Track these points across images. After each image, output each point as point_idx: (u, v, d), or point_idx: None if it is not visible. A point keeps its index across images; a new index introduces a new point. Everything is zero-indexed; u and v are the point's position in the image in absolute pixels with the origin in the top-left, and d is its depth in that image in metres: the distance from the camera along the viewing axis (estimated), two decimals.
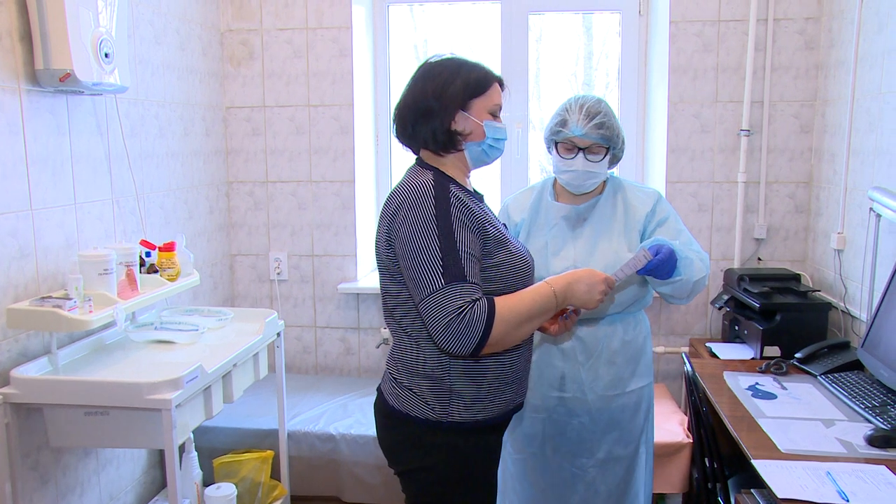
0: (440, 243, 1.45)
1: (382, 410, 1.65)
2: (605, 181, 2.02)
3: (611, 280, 1.60)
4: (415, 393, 1.57)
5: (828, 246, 2.81)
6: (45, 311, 1.89)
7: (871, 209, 2.38)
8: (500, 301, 1.47)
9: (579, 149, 1.90)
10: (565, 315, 1.68)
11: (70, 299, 1.93)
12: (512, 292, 1.53)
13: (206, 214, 3.12)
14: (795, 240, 3.07)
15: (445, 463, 1.57)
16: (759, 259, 3.09)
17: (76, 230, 2.23)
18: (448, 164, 1.61)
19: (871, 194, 2.34)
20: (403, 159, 3.59)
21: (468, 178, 1.67)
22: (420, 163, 1.63)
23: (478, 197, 1.65)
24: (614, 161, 1.99)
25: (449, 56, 1.63)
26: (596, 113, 1.89)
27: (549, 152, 2.01)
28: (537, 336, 2.00)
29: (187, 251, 2.48)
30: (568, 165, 1.93)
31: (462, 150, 1.60)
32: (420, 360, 1.57)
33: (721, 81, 3.02)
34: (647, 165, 3.32)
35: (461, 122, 1.57)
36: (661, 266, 1.76)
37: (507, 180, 3.40)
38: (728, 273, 2.93)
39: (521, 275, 1.58)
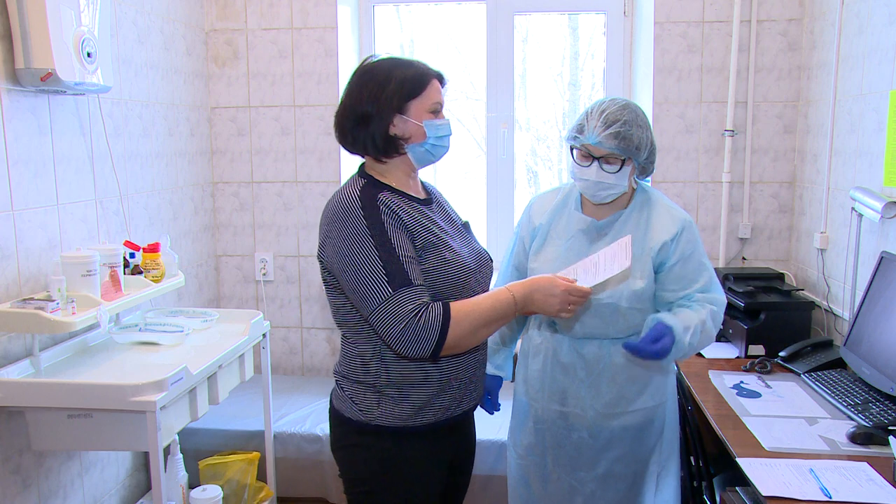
0: (379, 252, 1.46)
1: (329, 411, 1.70)
2: (633, 192, 1.89)
3: (576, 289, 1.52)
4: (348, 395, 1.61)
5: (811, 245, 2.84)
6: (27, 313, 1.87)
7: (852, 209, 2.41)
8: (456, 305, 1.47)
9: (595, 157, 1.78)
10: None
11: (53, 301, 1.91)
12: (448, 300, 1.51)
13: (190, 215, 3.10)
14: (779, 239, 3.10)
15: (372, 465, 1.59)
16: (744, 258, 3.12)
17: (59, 231, 2.21)
18: (391, 169, 1.60)
19: (852, 194, 2.37)
20: None
21: (415, 178, 1.65)
22: (360, 170, 1.63)
23: (421, 200, 1.63)
24: (643, 173, 1.86)
25: (384, 57, 1.60)
26: (614, 121, 1.75)
27: (570, 156, 1.88)
28: (539, 347, 1.94)
29: (172, 252, 2.46)
30: (582, 173, 1.81)
31: (405, 154, 1.58)
32: (355, 364, 1.60)
33: (705, 82, 3.04)
34: None
35: (400, 126, 1.55)
36: (651, 353, 1.72)
37: (492, 180, 3.40)
38: None
39: (455, 282, 1.55)
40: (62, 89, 2.09)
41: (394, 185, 1.59)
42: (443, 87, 1.62)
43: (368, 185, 1.55)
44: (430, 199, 1.67)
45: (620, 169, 1.78)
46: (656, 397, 1.91)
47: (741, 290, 2.66)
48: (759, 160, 3.05)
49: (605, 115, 1.76)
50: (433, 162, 1.63)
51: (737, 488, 1.73)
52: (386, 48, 3.45)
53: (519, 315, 1.58)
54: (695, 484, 2.22)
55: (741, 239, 3.10)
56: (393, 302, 1.44)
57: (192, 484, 2.61)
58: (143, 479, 2.72)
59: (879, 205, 2.17)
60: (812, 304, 2.65)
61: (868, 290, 2.18)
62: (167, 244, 2.43)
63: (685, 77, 3.04)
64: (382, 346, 1.54)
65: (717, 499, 2.10)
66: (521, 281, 1.55)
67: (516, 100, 3.37)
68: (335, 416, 1.66)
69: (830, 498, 1.52)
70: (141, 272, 2.32)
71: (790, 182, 3.05)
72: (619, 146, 1.75)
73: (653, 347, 1.70)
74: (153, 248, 2.35)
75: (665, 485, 1.96)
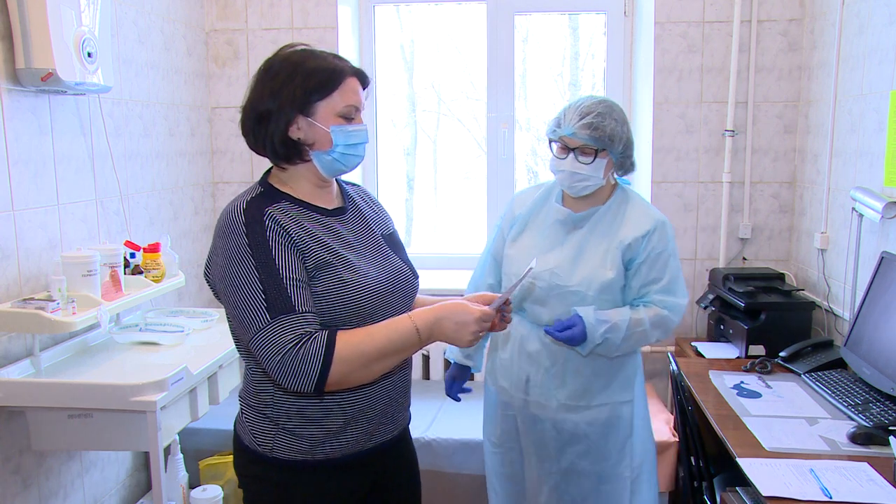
0: (259, 275, 1.30)
1: (233, 435, 1.56)
2: (613, 190, 1.94)
3: (488, 314, 1.37)
4: (247, 422, 1.48)
5: (811, 245, 2.83)
6: (27, 313, 1.87)
7: (853, 209, 2.41)
8: (344, 336, 1.31)
9: (570, 149, 1.85)
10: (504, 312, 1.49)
11: (53, 301, 1.91)
12: (348, 325, 1.35)
13: (191, 215, 3.10)
14: (780, 239, 3.09)
15: (270, 499, 1.46)
16: (744, 259, 3.12)
17: (59, 231, 2.21)
18: (295, 176, 1.43)
19: (853, 194, 2.37)
20: (388, 159, 3.59)
21: (326, 186, 1.47)
22: (262, 177, 1.47)
23: (329, 212, 1.45)
24: (621, 168, 1.91)
25: (300, 48, 1.42)
26: (588, 112, 1.82)
27: (550, 150, 1.93)
28: (509, 335, 1.94)
29: (172, 252, 2.46)
30: (558, 165, 1.88)
31: (310, 161, 1.41)
32: (252, 391, 1.46)
33: (706, 82, 3.04)
34: None
35: (304, 130, 1.38)
36: (561, 339, 1.80)
37: (493, 180, 3.40)
38: (713, 273, 2.95)
39: (356, 306, 1.37)
40: (63, 89, 2.09)
41: (296, 194, 1.42)
42: (364, 87, 1.44)
43: (261, 196, 1.38)
44: (342, 208, 1.49)
45: (594, 160, 1.84)
46: (622, 393, 1.94)
47: (741, 291, 2.66)
48: (760, 160, 3.05)
49: (580, 108, 1.84)
50: (346, 171, 1.45)
51: (737, 488, 1.74)
52: (386, 48, 3.45)
53: (426, 343, 1.37)
54: (695, 484, 2.22)
55: (741, 239, 3.10)
56: (271, 330, 1.28)
57: (193, 484, 2.61)
58: (143, 479, 2.72)
59: (880, 205, 2.18)
60: (812, 305, 2.65)
61: (868, 290, 2.18)
62: (167, 244, 2.43)
63: (685, 77, 3.04)
64: None
65: (718, 499, 2.09)
66: (426, 307, 1.37)
67: (516, 100, 3.37)
68: (236, 442, 1.52)
69: (831, 498, 1.52)
70: (141, 272, 2.32)
71: (790, 182, 3.05)
72: (591, 136, 1.81)
73: (563, 334, 1.79)
74: (153, 248, 2.35)
75: (641, 491, 1.97)
